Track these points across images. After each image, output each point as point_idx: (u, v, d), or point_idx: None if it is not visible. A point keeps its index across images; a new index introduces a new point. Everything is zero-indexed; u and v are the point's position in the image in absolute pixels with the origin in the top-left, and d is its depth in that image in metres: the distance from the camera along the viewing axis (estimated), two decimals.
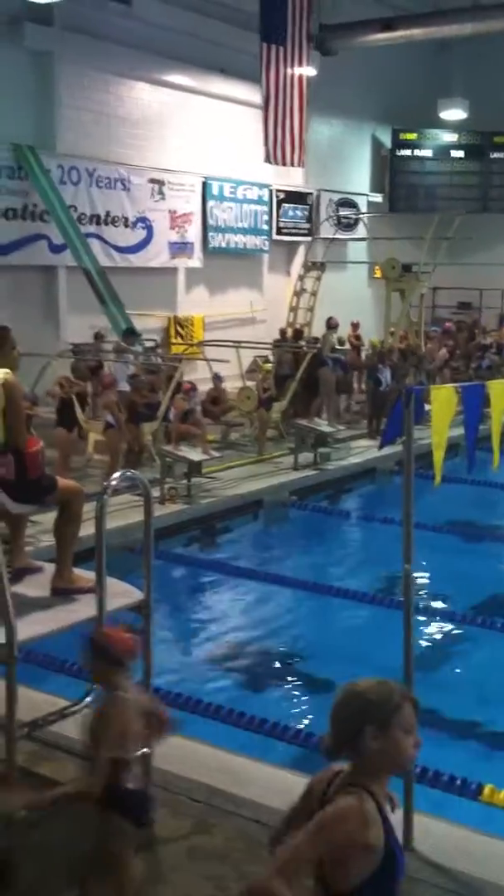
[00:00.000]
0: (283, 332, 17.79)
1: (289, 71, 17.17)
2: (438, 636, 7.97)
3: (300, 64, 17.31)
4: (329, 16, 18.95)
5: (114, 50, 16.09)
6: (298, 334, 17.55)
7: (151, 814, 3.64)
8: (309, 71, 17.64)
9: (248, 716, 5.91)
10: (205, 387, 14.22)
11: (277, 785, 4.60)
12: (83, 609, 4.27)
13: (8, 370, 4.46)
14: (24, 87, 15.04)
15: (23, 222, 14.90)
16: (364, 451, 13.58)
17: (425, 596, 8.55)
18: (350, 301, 20.33)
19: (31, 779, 4.48)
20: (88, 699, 4.20)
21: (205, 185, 18.37)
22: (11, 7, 14.44)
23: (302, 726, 6.04)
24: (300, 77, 17.41)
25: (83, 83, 15.94)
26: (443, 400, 4.27)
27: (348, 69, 20.08)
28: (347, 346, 17.53)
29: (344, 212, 21.89)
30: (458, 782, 5.13)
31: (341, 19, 19.17)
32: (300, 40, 17.23)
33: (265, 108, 17.07)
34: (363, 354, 17.47)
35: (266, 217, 19.95)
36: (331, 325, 16.89)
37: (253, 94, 17.60)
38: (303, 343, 16.28)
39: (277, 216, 20.25)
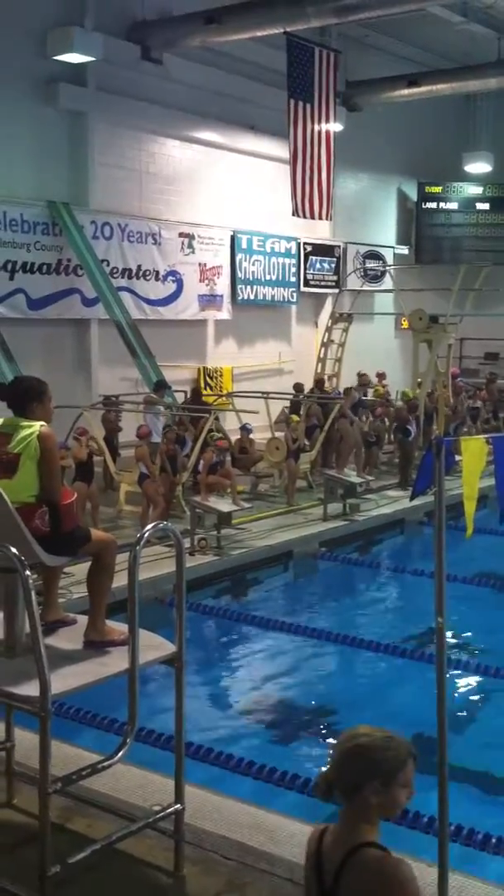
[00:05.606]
0: (317, 382, 17.88)
1: (316, 127, 17.46)
2: (471, 690, 7.86)
3: (327, 120, 17.61)
4: (355, 72, 19.33)
5: (146, 109, 16.46)
6: (319, 384, 17.61)
7: None
8: (336, 127, 17.93)
9: (281, 771, 5.84)
10: (234, 436, 14.29)
11: None
12: (116, 662, 4.25)
13: (44, 422, 4.51)
14: (59, 147, 15.42)
15: (57, 277, 15.17)
16: (393, 501, 13.54)
17: (458, 649, 8.45)
18: (377, 352, 20.42)
19: (63, 835, 4.45)
20: (120, 754, 4.17)
21: (234, 239, 18.61)
22: (47, 69, 14.88)
23: None
24: (327, 133, 17.70)
25: (116, 141, 16.30)
26: (473, 451, 4.26)
27: (374, 124, 20.42)
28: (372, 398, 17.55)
29: (370, 264, 22.10)
30: (494, 840, 5.04)
31: (367, 76, 19.55)
32: (327, 97, 17.55)
33: (293, 163, 17.33)
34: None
35: (294, 269, 20.14)
36: (361, 382, 16.85)
37: (281, 150, 17.89)
38: (329, 391, 16.36)
39: (305, 268, 20.44)
